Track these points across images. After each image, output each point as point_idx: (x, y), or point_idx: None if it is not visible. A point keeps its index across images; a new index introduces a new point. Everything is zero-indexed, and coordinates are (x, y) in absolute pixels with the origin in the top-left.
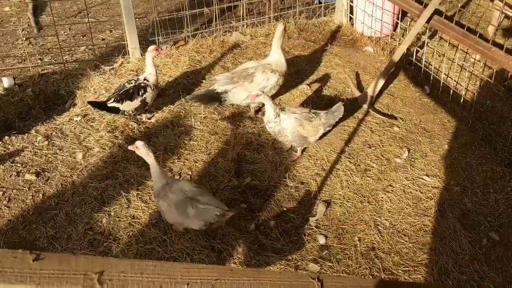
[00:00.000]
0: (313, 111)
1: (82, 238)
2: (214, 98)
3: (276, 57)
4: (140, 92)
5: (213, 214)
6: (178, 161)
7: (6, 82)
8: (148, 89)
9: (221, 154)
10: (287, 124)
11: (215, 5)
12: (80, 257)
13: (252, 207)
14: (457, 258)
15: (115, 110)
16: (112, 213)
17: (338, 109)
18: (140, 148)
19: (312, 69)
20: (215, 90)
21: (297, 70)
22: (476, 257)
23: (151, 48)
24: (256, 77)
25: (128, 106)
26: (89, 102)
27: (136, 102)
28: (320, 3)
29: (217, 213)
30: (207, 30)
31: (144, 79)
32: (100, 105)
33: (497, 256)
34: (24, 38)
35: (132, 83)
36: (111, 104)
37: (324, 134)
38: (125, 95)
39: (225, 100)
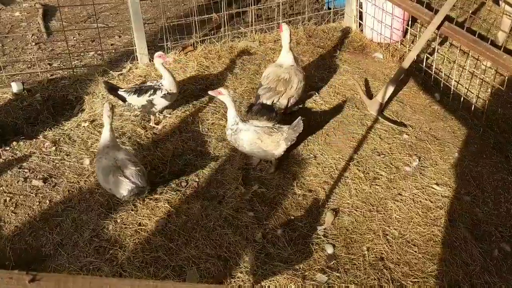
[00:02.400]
0: (278, 125)
1: (88, 245)
2: (269, 110)
3: (290, 58)
4: (149, 93)
5: (126, 187)
6: (185, 167)
7: (15, 87)
8: (158, 93)
9: (229, 161)
10: (244, 136)
11: (223, 11)
12: (78, 278)
13: (259, 215)
14: (468, 270)
15: (122, 99)
16: (119, 220)
17: (298, 125)
18: (104, 108)
19: (321, 75)
20: (266, 102)
21: (305, 76)
22: (487, 269)
23: (156, 55)
24: (293, 81)
25: (133, 100)
26: (105, 82)
27: (143, 100)
28: (329, 9)
29: (129, 187)
30: (215, 36)
31: (161, 84)
32: (113, 88)
33: (509, 267)
34: (34, 43)
35: (152, 83)
36: (121, 92)
37: (290, 149)
38: (137, 89)
39: (277, 110)
